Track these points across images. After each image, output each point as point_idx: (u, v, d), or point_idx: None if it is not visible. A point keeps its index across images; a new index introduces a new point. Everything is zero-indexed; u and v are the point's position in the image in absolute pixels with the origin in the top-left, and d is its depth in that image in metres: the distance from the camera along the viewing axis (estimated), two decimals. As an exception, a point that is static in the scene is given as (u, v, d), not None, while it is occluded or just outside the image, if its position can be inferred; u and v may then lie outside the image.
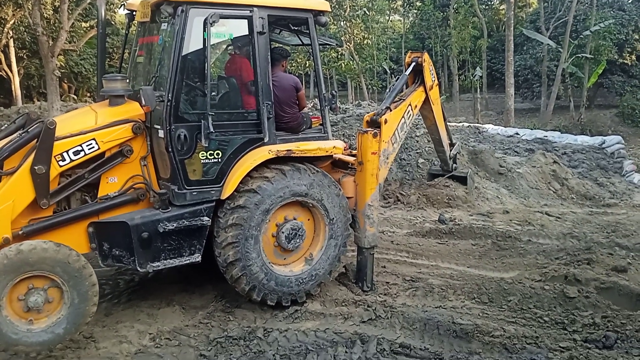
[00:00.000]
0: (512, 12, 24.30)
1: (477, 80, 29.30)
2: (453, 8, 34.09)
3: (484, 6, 37.52)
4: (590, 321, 4.87)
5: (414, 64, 7.57)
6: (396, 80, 7.49)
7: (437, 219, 8.74)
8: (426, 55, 7.68)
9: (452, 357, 4.37)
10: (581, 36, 27.20)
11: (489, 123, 21.78)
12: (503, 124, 21.71)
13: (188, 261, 4.83)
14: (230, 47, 5.75)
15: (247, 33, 5.01)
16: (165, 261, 4.73)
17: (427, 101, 7.79)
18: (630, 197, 11.48)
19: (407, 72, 7.56)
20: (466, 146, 13.03)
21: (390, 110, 6.50)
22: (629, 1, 35.16)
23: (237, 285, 5.03)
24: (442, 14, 37.59)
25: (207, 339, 4.69)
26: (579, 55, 27.15)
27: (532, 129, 19.12)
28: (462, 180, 9.90)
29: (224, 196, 4.88)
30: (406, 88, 7.53)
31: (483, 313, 5.14)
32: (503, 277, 6.06)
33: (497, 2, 39.00)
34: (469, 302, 5.41)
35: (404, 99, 6.97)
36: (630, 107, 26.09)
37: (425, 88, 7.60)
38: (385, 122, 6.23)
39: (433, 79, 7.76)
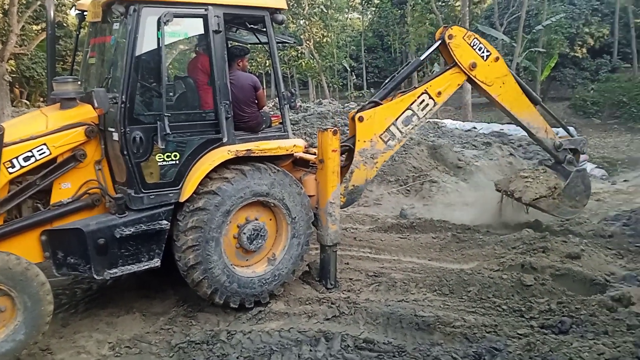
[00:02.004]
0: (467, 9, 24.84)
1: (435, 75, 29.78)
2: (410, 5, 34.62)
3: (440, 3, 38.15)
4: (546, 307, 5.02)
5: (438, 42, 6.48)
6: (401, 69, 6.67)
7: (398, 214, 8.86)
8: (456, 29, 6.46)
9: (415, 350, 4.43)
10: (534, 31, 28.11)
11: (447, 118, 22.18)
12: (461, 119, 22.19)
13: (147, 266, 4.73)
14: (185, 47, 5.66)
15: (203, 32, 4.94)
16: (123, 267, 4.62)
17: (474, 84, 6.68)
18: (582, 186, 11.88)
19: (423, 57, 6.72)
20: (425, 141, 13.24)
21: (377, 105, 6.16)
22: (579, -5, 36.45)
23: (198, 289, 4.96)
24: (399, 11, 38.13)
25: (169, 345, 4.61)
26: (532, 49, 28.03)
27: (488, 123, 19.65)
28: (567, 176, 7.34)
29: (182, 199, 4.81)
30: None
31: (444, 304, 5.24)
32: (463, 268, 6.19)
33: (453, -1, 39.76)
34: (431, 295, 5.50)
35: (417, 87, 6.36)
36: (581, 99, 27.12)
37: (462, 68, 6.51)
38: (361, 119, 6.00)
39: (482, 54, 6.51)
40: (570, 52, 32.01)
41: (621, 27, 36.31)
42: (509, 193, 7.62)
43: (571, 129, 8.22)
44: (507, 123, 20.00)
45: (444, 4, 39.40)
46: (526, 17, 29.36)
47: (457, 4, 38.00)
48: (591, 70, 33.07)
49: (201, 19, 4.85)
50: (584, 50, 33.40)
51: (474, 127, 17.90)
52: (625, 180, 12.84)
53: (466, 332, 4.63)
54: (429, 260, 6.74)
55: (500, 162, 12.01)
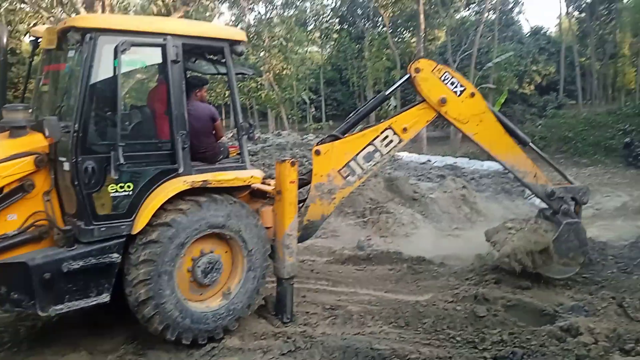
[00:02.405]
0: (422, 45, 25.82)
1: (392, 109, 30.57)
2: (367, 40, 35.67)
3: (396, 39, 39.54)
4: (498, 338, 5.11)
5: (406, 76, 6.13)
6: (366, 103, 6.48)
7: (355, 246, 8.90)
8: (423, 62, 6.07)
9: (371, 384, 4.40)
10: (485, 68, 29.36)
11: (403, 151, 22.68)
12: (417, 152, 22.74)
13: (95, 302, 4.54)
14: (143, 75, 5.61)
15: (161, 61, 4.92)
16: (70, 303, 4.41)
17: (447, 121, 6.24)
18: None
19: (388, 92, 6.45)
20: (382, 173, 13.46)
21: (336, 139, 6.01)
22: (527, 34, 38.70)
23: (149, 325, 4.77)
24: (357, 45, 39.19)
25: (118, 384, 4.42)
26: (484, 85, 29.23)
27: (443, 156, 20.23)
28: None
29: (135, 231, 4.67)
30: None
31: (400, 337, 5.25)
32: (418, 300, 6.25)
33: (409, 35, 41.27)
34: (387, 327, 5.50)
35: (381, 122, 6.12)
36: (530, 134, 28.16)
37: (431, 104, 6.08)
38: (317, 153, 5.91)
39: (455, 89, 6.05)
40: (519, 89, 33.71)
41: (567, 66, 38.63)
42: (492, 244, 6.96)
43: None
44: (461, 156, 20.69)
45: (400, 40, 40.84)
46: (477, 55, 30.79)
47: (412, 40, 39.45)
48: (539, 106, 34.84)
49: (159, 49, 4.83)
50: (532, 87, 35.24)
51: (429, 160, 18.42)
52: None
53: (421, 365, 4.64)
54: (385, 292, 6.77)
55: (454, 194, 12.33)
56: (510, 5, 41.08)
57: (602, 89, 44.00)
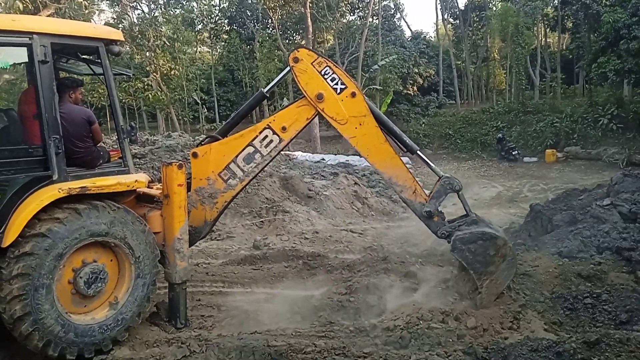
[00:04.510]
0: (312, 47, 26.28)
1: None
2: (258, 42, 35.67)
3: (286, 41, 39.94)
4: (387, 325, 5.37)
5: (287, 69, 5.72)
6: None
7: (252, 245, 8.88)
8: (304, 52, 5.60)
9: (268, 381, 4.43)
10: (371, 70, 30.64)
11: (298, 150, 23.00)
12: (311, 151, 23.18)
13: (-39, 324, 4.13)
14: (11, 76, 5.18)
15: (28, 62, 4.57)
16: None
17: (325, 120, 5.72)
18: (418, 210, 13.11)
19: (266, 89, 6.02)
20: (277, 173, 13.55)
21: (214, 140, 5.73)
22: (408, 39, 41.06)
23: (28, 343, 4.44)
24: (248, 46, 39.01)
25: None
26: (371, 86, 30.52)
27: (335, 155, 20.79)
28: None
29: (5, 244, 4.31)
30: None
31: (296, 332, 5.33)
32: (314, 294, 6.39)
33: (299, 37, 41.88)
34: (283, 324, 5.57)
35: (261, 122, 5.74)
36: (415, 132, 30.04)
37: (309, 99, 5.59)
38: (195, 155, 5.65)
39: (335, 86, 5.54)
40: (403, 90, 35.61)
41: (445, 68, 41.51)
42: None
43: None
44: (352, 154, 21.41)
45: (290, 41, 41.32)
46: (364, 58, 32.02)
47: (302, 42, 40.06)
48: (422, 106, 37.12)
49: (25, 48, 4.48)
50: (415, 88, 37.43)
51: (323, 159, 18.85)
52: (454, 204, 14.39)
53: (317, 357, 4.75)
54: (281, 289, 6.83)
55: (346, 190, 12.74)
56: (392, 11, 43.31)
57: (477, 90, 47.89)
